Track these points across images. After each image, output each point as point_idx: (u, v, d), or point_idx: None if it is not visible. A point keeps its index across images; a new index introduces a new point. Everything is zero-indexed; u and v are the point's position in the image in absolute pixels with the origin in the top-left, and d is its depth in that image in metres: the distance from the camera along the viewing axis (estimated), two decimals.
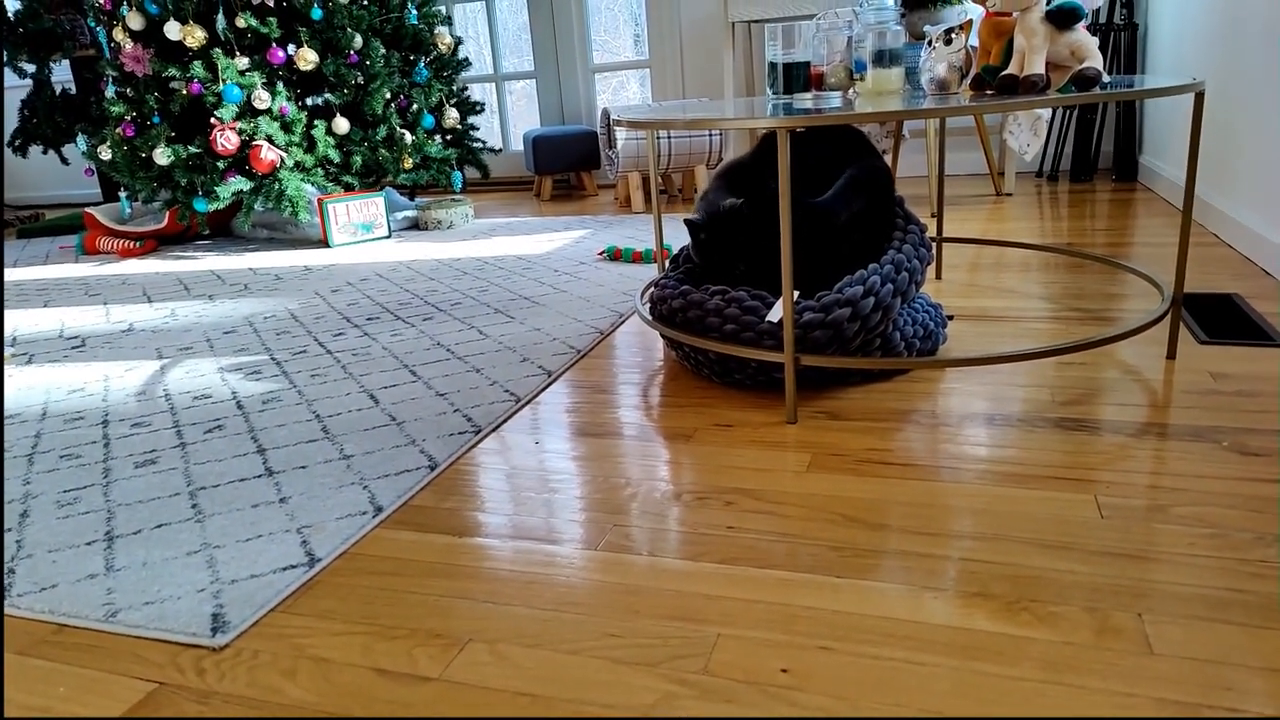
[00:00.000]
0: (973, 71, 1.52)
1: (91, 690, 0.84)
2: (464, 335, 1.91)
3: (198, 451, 1.38)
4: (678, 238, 2.78)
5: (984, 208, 2.97)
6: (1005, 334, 1.65)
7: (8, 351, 2.02)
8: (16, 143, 4.19)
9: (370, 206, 3.27)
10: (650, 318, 1.62)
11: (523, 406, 1.49)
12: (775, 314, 1.38)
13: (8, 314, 2.46)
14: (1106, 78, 1.35)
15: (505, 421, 1.44)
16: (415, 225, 3.50)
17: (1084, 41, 1.31)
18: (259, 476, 1.27)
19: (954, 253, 2.34)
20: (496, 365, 1.70)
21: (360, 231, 3.27)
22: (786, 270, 1.28)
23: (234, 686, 0.83)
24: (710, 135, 3.46)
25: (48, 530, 1.15)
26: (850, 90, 1.84)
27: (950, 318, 1.61)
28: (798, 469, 1.19)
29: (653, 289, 1.69)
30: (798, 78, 1.88)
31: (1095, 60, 1.30)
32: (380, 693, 0.81)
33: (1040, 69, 1.30)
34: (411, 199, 3.89)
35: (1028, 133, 3.07)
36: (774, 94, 1.89)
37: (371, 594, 0.97)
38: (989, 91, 1.46)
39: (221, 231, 3.65)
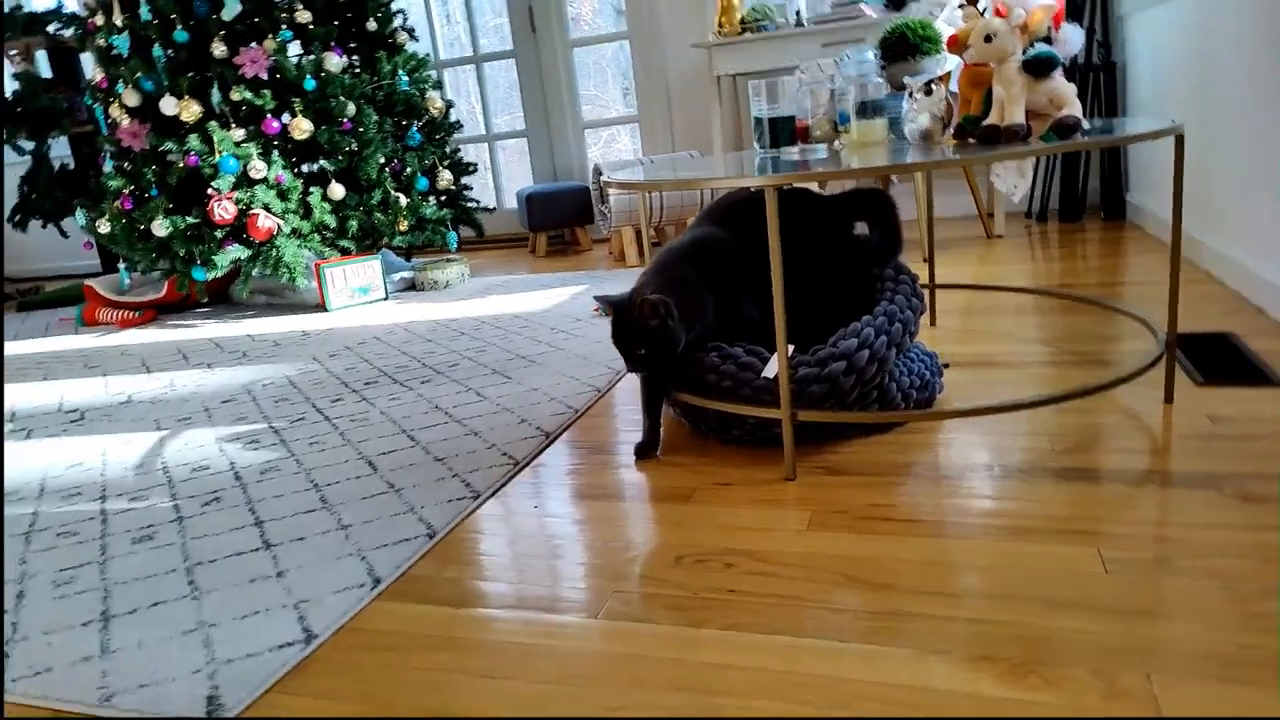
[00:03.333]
0: (954, 121, 1.55)
1: None
2: (462, 398, 1.91)
3: (195, 525, 1.37)
4: None
5: (975, 250, 2.99)
6: (1002, 380, 1.65)
7: (6, 428, 2.02)
8: (16, 218, 4.24)
9: (367, 270, 3.30)
10: None
11: (521, 469, 1.49)
12: (771, 370, 1.38)
13: (9, 388, 2.46)
14: (1086, 124, 1.37)
15: (504, 485, 1.43)
16: (412, 286, 3.53)
17: (1062, 89, 1.34)
18: (256, 550, 1.26)
19: (947, 298, 2.35)
20: (495, 427, 1.69)
21: (358, 294, 3.29)
22: (780, 325, 1.28)
23: None
24: (696, 190, 3.51)
25: (43, 611, 1.13)
26: (836, 142, 1.87)
27: (946, 365, 1.61)
28: (798, 527, 1.18)
29: None
30: (784, 131, 1.92)
31: (1074, 107, 1.32)
32: None
33: (1020, 118, 1.32)
34: (408, 260, 3.92)
35: (1014, 174, 3.12)
36: (761, 149, 1.92)
37: (370, 671, 0.96)
38: (971, 140, 1.49)
39: (220, 299, 3.68)
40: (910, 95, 1.47)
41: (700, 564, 1.10)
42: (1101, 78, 3.17)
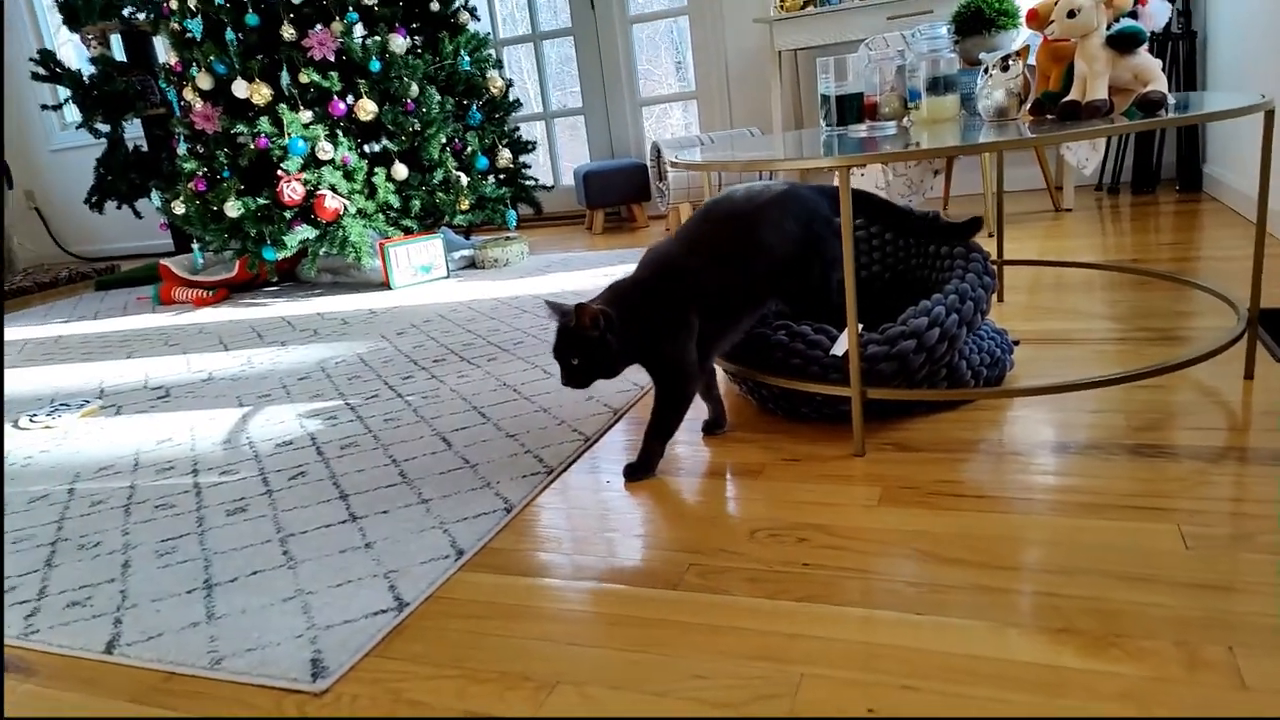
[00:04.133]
0: (1031, 96, 1.52)
1: None
2: (529, 375, 1.96)
3: (284, 498, 1.44)
4: None
5: (1043, 224, 2.93)
6: (1073, 358, 1.63)
7: (97, 402, 2.13)
8: (93, 199, 4.40)
9: (429, 248, 3.37)
10: None
11: (591, 445, 1.52)
12: (840, 348, 1.39)
13: (96, 365, 2.58)
14: (1171, 99, 1.34)
15: (575, 461, 1.47)
16: (473, 264, 3.59)
17: (1147, 64, 1.30)
18: (344, 522, 1.32)
19: (1014, 273, 2.31)
20: (563, 404, 1.73)
21: (420, 273, 3.36)
22: (851, 303, 1.29)
23: None
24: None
25: (149, 580, 1.21)
26: (905, 119, 1.85)
27: (1016, 343, 1.60)
28: (868, 503, 1.19)
29: None
30: (851, 109, 1.90)
31: (1159, 83, 1.29)
32: None
33: (1103, 94, 1.29)
34: (468, 238, 3.98)
35: (1086, 147, 3.04)
36: (828, 126, 1.91)
37: (459, 637, 1.00)
38: (1049, 117, 1.46)
39: (288, 277, 3.79)
40: (986, 71, 1.45)
41: (774, 538, 1.13)
42: (1181, 47, 3.06)
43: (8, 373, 2.66)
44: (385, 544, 1.23)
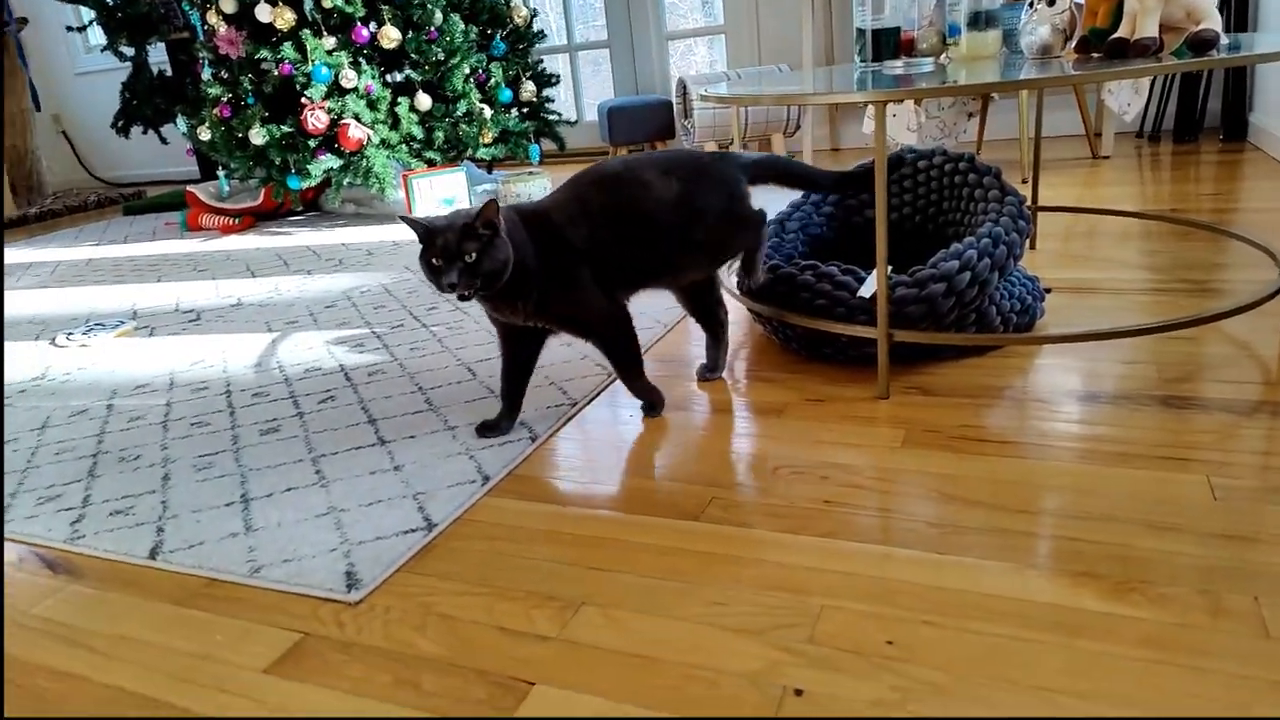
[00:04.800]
0: (1077, 33, 1.48)
1: (245, 638, 0.92)
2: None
3: (314, 421, 1.47)
4: (769, 210, 2.76)
5: (1079, 171, 2.87)
6: (1106, 307, 1.61)
7: (131, 324, 2.16)
8: (120, 124, 4.40)
9: (452, 181, 3.35)
10: (738, 292, 1.64)
11: (614, 380, 1.54)
12: (867, 289, 1.39)
13: (128, 288, 2.61)
14: (1225, 39, 1.30)
15: (598, 395, 1.48)
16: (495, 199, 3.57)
17: (1200, 2, 1.26)
18: (373, 445, 1.35)
19: (1048, 220, 2.28)
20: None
21: (443, 206, 3.34)
22: (881, 244, 1.28)
23: (371, 639, 0.90)
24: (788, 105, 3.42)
25: (189, 492, 1.24)
26: (943, 56, 1.80)
27: (1048, 290, 1.58)
28: (891, 444, 1.20)
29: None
30: (887, 44, 1.85)
31: (1213, 21, 1.25)
32: (505, 649, 0.86)
33: (1153, 31, 1.25)
34: (490, 172, 3.95)
35: (1128, 91, 2.95)
36: (862, 61, 1.86)
37: (486, 558, 1.03)
38: (1095, 55, 1.42)
39: (312, 207, 3.79)
40: (1030, 6, 1.40)
41: (796, 475, 1.14)
42: None
43: (44, 292, 2.69)
44: (413, 467, 1.26)
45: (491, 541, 1.07)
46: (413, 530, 1.09)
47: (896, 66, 1.73)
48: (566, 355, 1.66)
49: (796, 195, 1.81)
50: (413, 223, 1.19)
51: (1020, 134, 2.90)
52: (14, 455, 1.44)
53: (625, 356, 1.34)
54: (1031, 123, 2.93)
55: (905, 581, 0.90)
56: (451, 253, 1.16)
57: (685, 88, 3.55)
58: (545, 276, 1.24)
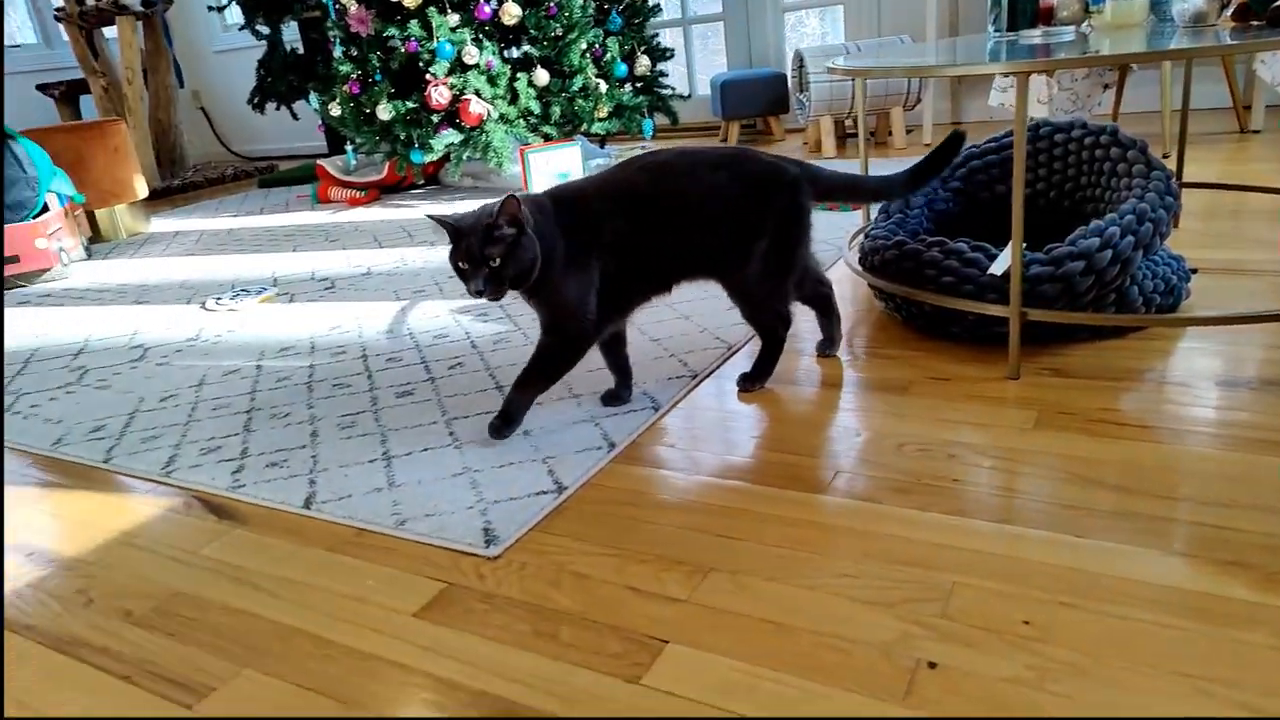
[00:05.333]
0: (1234, 1, 1.39)
1: (395, 585, 0.99)
2: None
3: (445, 385, 1.54)
4: None
5: (1225, 146, 2.69)
6: (1253, 289, 1.52)
7: (273, 290, 2.30)
8: (255, 100, 4.64)
9: (568, 156, 3.40)
10: (859, 268, 1.62)
11: (734, 354, 1.55)
12: (999, 266, 1.35)
13: (267, 256, 2.78)
14: None
15: (718, 367, 1.50)
16: None
17: None
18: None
19: (1191, 198, 2.15)
20: (704, 312, 1.76)
21: (559, 180, 3.41)
22: (1018, 216, 1.24)
23: (510, 591, 0.95)
24: (909, 78, 3.32)
25: (335, 449, 1.33)
26: (1085, 24, 1.72)
27: (1194, 271, 1.50)
28: (1023, 426, 1.17)
29: (862, 238, 1.69)
30: (1024, 12, 1.78)
31: None
32: (637, 608, 0.90)
33: None
34: (602, 147, 3.99)
35: None
36: (996, 31, 1.80)
37: (614, 521, 1.07)
38: (1255, 23, 1.33)
39: (432, 181, 3.92)
40: None
41: (923, 452, 1.13)
42: None
43: (191, 259, 2.90)
44: (541, 433, 1.31)
45: (619, 506, 1.10)
46: (544, 492, 1.14)
47: (1034, 36, 1.66)
48: (685, 329, 1.68)
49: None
50: (440, 221, 1.17)
51: (1162, 106, 2.73)
52: (176, 409, 1.58)
53: (548, 370, 1.27)
54: (1175, 95, 2.76)
55: (1040, 562, 0.89)
56: (475, 258, 1.13)
57: (802, 60, 3.48)
58: (561, 264, 1.19)
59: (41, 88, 4.91)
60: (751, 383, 1.39)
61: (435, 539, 1.06)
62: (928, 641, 0.80)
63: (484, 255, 1.12)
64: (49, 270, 2.80)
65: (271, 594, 1.00)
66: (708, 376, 1.47)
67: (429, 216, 1.20)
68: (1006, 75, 1.37)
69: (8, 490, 1.35)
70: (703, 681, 0.79)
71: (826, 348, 1.50)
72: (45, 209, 2.83)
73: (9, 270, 2.73)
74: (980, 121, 3.85)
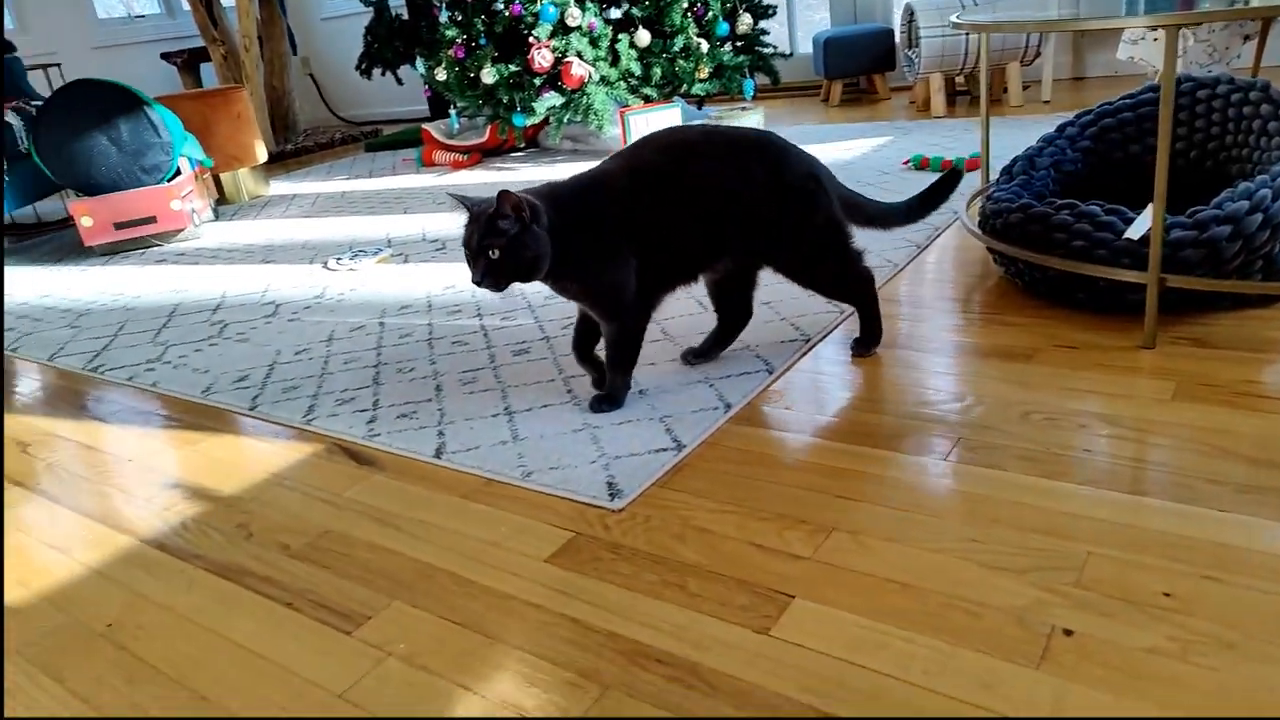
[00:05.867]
0: None
1: (525, 532, 1.03)
2: None
3: (559, 344, 1.58)
4: (1002, 144, 2.61)
5: None
6: None
7: (388, 251, 2.40)
8: (363, 66, 4.78)
9: (668, 117, 3.39)
10: (979, 231, 1.58)
11: (846, 318, 1.54)
12: (1136, 230, 1.30)
13: (379, 218, 2.89)
14: None
15: (831, 332, 1.49)
16: None
17: None
18: None
19: None
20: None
21: None
22: (1161, 177, 1.19)
23: (636, 542, 0.99)
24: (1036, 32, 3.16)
25: (459, 403, 1.39)
26: None
27: None
28: (1160, 397, 1.13)
29: (983, 201, 1.64)
30: None
31: None
32: (760, 563, 0.92)
33: None
34: (700, 108, 3.96)
35: None
36: None
37: (734, 480, 1.09)
38: None
39: (531, 144, 3.97)
40: None
41: (1050, 422, 1.11)
42: None
43: (309, 221, 3.03)
44: (656, 393, 1.34)
45: (738, 465, 1.12)
46: (664, 450, 1.17)
47: None
48: (795, 293, 1.68)
49: (1032, 143, 1.70)
50: (460, 200, 1.17)
51: None
52: (310, 362, 1.67)
53: (626, 353, 1.28)
54: None
55: (1180, 535, 0.87)
56: (473, 249, 1.14)
57: (913, 14, 3.36)
58: (590, 257, 1.19)
59: (165, 56, 5.16)
60: (865, 348, 1.38)
61: (561, 490, 1.10)
62: (1062, 609, 0.80)
63: (482, 246, 1.13)
64: (182, 230, 2.98)
65: (411, 535, 1.06)
66: (820, 340, 1.46)
67: (450, 194, 1.23)
68: (1154, 29, 1.30)
69: (164, 432, 1.46)
70: (831, 636, 0.81)
71: (694, 357, 1.42)
72: (178, 173, 3.00)
73: (147, 230, 2.92)
74: (1104, 76, 3.65)
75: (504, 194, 1.11)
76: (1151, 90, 1.67)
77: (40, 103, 3.12)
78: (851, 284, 1.35)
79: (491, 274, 1.14)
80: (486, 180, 3.34)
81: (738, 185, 1.23)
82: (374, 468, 1.24)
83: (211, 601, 0.98)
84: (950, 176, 1.37)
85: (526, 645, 0.85)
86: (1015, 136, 2.73)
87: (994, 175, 1.77)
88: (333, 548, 1.06)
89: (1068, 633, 0.77)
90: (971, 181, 2.29)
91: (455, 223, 2.68)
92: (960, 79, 3.64)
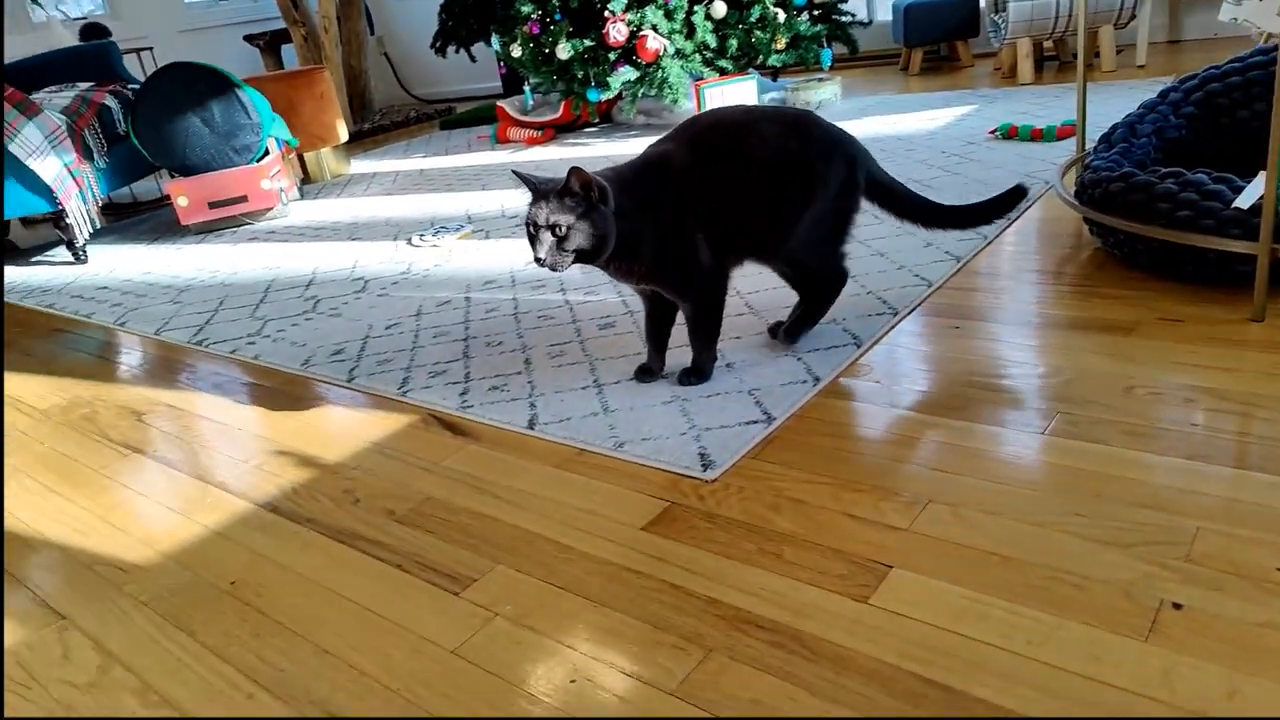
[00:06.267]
0: None
1: (619, 501, 1.06)
2: (859, 219, 1.94)
3: (642, 319, 1.59)
4: (1095, 111, 2.52)
5: None
6: None
7: (470, 227, 2.45)
8: (437, 44, 4.84)
9: (743, 90, 3.36)
10: (1076, 201, 1.54)
11: (934, 292, 1.52)
12: (1246, 199, 1.24)
13: (458, 195, 2.94)
14: None
15: (919, 305, 1.48)
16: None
17: None
18: None
19: None
20: (900, 249, 1.72)
21: None
22: (1276, 143, 1.14)
23: (731, 512, 1.00)
24: None
25: (548, 375, 1.42)
26: None
27: None
28: (1269, 371, 1.09)
29: (1081, 170, 1.59)
30: None
31: None
32: (857, 534, 0.93)
33: None
34: (774, 80, 3.91)
35: None
36: None
37: (826, 451, 1.10)
38: None
39: (605, 119, 3.98)
40: None
41: (1155, 396, 1.08)
42: None
43: (390, 198, 3.11)
44: (743, 366, 1.35)
45: (829, 437, 1.13)
46: (754, 422, 1.18)
47: None
48: (881, 266, 1.66)
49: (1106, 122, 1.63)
50: (524, 179, 1.16)
51: None
52: (401, 336, 1.72)
53: (709, 326, 1.28)
54: None
55: None
56: (540, 225, 1.12)
57: None
58: (658, 237, 1.18)
59: (247, 38, 5.32)
60: (792, 338, 1.38)
61: (653, 461, 1.12)
62: (1170, 583, 0.79)
63: (550, 223, 1.11)
64: (271, 209, 3.09)
65: (509, 502, 1.10)
66: (909, 313, 1.45)
67: (514, 172, 1.22)
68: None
69: (268, 402, 1.53)
70: (931, 605, 0.81)
71: (780, 334, 1.40)
72: (266, 153, 3.11)
73: (238, 209, 3.03)
74: (1202, 39, 3.48)
75: (575, 170, 1.10)
76: (1261, 54, 1.59)
77: (136, 86, 3.25)
78: (826, 279, 1.35)
79: (554, 251, 1.13)
80: (561, 156, 3.37)
81: (780, 156, 1.23)
82: (469, 438, 1.28)
83: (326, 562, 1.04)
84: (1014, 193, 1.34)
85: (629, 609, 0.87)
86: (1109, 103, 2.62)
87: (1089, 144, 1.71)
88: (435, 514, 1.10)
89: (1177, 606, 0.76)
90: (1059, 150, 2.22)
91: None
92: (1048, 44, 3.51)
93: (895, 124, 2.86)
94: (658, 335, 1.34)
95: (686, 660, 0.80)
